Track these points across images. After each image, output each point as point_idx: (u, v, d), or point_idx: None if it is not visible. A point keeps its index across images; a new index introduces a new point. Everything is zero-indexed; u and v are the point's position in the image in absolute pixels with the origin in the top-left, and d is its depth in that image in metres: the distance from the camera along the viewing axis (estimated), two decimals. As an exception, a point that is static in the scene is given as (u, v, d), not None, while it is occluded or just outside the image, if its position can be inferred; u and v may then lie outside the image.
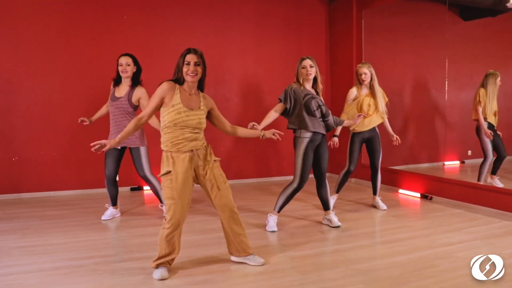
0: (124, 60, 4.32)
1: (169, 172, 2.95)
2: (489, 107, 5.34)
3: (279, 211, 4.22)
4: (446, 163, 6.83)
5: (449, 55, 5.98)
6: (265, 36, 6.71)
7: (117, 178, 4.57)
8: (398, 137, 5.02)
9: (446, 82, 5.97)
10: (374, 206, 5.09)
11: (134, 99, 4.31)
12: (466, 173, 6.68)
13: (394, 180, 6.17)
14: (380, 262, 3.31)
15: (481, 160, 5.55)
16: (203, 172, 3.05)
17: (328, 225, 4.31)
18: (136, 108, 4.39)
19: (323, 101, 4.16)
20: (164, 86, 2.95)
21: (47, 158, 5.60)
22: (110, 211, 4.59)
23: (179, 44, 6.10)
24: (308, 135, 4.04)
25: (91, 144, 2.85)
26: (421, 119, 7.10)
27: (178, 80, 2.99)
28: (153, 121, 4.15)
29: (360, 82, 4.90)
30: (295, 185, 4.10)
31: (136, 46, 5.78)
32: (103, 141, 2.84)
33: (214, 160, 3.10)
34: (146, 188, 6.05)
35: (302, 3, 6.94)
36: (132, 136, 4.24)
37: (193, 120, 2.95)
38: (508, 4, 5.18)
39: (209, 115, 3.14)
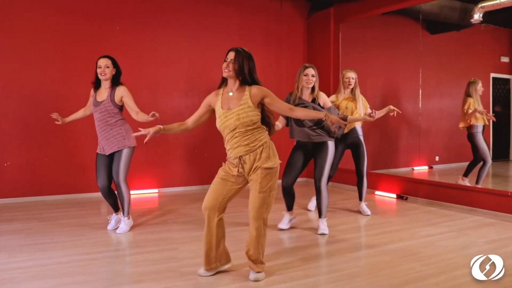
0: (103, 62, 4.10)
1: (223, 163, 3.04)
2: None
3: (288, 209, 4.44)
4: (415, 168, 7.31)
5: (419, 66, 6.46)
6: (247, 47, 6.89)
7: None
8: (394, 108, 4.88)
9: (420, 91, 6.45)
10: (359, 212, 5.13)
11: (117, 98, 4.10)
12: (435, 177, 7.16)
13: (370, 183, 6.54)
14: (371, 250, 3.66)
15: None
16: (248, 176, 2.94)
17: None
18: (121, 108, 4.17)
19: (319, 105, 4.18)
20: (210, 94, 3.04)
21: (39, 164, 5.71)
22: (114, 220, 4.37)
23: (168, 52, 6.43)
24: (296, 140, 4.34)
25: (145, 135, 2.85)
26: (390, 126, 7.52)
27: (222, 82, 3.03)
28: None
29: (343, 87, 5.03)
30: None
31: (128, 55, 6.03)
32: (146, 130, 2.83)
33: (264, 168, 2.86)
34: (132, 192, 6.18)
35: (282, 17, 7.33)
36: (119, 137, 4.09)
37: (230, 119, 2.86)
38: (472, 20, 5.72)
39: (267, 105, 2.96)
